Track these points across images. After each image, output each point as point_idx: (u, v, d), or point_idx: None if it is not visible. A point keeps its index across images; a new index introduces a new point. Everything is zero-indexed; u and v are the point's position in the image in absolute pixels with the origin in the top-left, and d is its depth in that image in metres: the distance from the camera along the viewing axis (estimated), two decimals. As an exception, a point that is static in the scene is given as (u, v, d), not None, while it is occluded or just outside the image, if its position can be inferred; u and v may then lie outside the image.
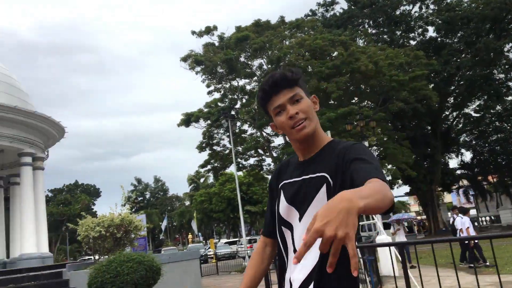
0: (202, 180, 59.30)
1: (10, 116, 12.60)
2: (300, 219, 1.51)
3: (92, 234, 8.48)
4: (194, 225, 51.11)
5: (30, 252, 12.26)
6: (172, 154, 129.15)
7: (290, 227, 1.54)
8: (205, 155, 32.00)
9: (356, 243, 1.11)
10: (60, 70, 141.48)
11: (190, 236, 52.35)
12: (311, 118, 1.51)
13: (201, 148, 30.56)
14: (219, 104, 29.79)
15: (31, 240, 12.49)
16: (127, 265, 7.30)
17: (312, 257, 1.41)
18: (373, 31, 33.01)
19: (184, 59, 28.18)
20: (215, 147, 30.82)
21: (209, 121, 29.51)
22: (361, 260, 6.61)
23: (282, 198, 1.57)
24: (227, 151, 30.04)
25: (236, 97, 30.17)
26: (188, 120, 29.47)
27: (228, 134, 27.81)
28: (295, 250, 1.50)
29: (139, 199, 70.35)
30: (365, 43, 29.61)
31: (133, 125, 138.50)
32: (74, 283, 8.34)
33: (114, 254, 7.84)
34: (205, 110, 29.63)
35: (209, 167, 31.86)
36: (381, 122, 23.12)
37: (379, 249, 9.80)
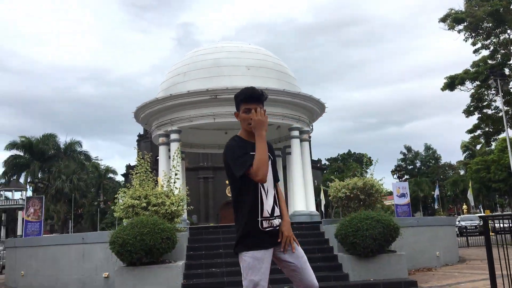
0: (478, 146, 54.28)
1: (280, 98, 15.23)
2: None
3: (339, 195, 9.88)
4: (469, 195, 47.73)
5: (301, 210, 14.77)
6: (444, 120, 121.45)
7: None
8: (474, 119, 29.62)
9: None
10: (333, 46, 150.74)
11: (465, 206, 49.10)
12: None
13: (468, 112, 28.43)
14: (489, 62, 26.89)
15: (301, 200, 15.00)
16: (366, 222, 8.32)
17: (277, 211, 3.03)
18: None
19: (443, 20, 26.54)
20: (485, 110, 28.13)
21: (477, 82, 27.10)
22: None
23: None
24: (500, 114, 26.97)
25: (509, 51, 26.57)
26: (451, 83, 27.81)
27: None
28: (264, 192, 3.00)
29: (409, 167, 69.86)
30: None
31: (405, 92, 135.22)
32: (327, 235, 9.95)
33: (356, 213, 8.98)
34: (472, 70, 27.28)
35: (479, 132, 29.35)
36: None
37: None
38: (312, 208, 15.64)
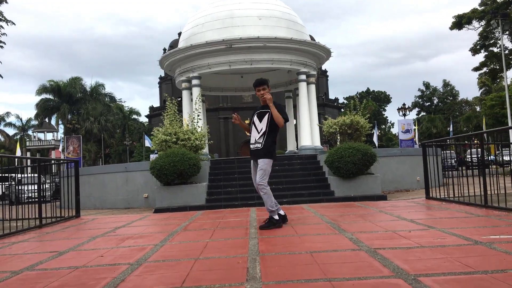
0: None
1: (288, 45, 17.02)
2: (260, 122, 4.97)
3: (331, 131, 12.07)
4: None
5: (307, 145, 17.04)
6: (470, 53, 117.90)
7: (254, 124, 5.01)
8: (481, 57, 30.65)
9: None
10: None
11: (476, 141, 50.56)
12: (265, 97, 4.85)
13: (475, 50, 29.51)
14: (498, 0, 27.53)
15: (307, 136, 17.23)
16: (348, 151, 10.56)
17: (260, 140, 4.98)
18: None
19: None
20: (491, 48, 29.14)
21: (483, 21, 27.96)
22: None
23: (255, 117, 5.04)
24: (506, 52, 27.98)
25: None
26: (459, 22, 28.72)
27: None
28: (256, 130, 5.05)
29: (426, 104, 70.68)
30: None
31: (432, 23, 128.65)
32: (322, 163, 12.28)
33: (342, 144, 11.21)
34: (480, 9, 28.05)
35: (485, 69, 30.53)
36: None
37: None
38: (317, 143, 17.91)
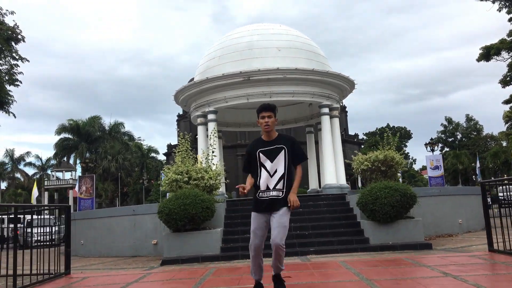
0: (522, 116, 52.52)
1: (310, 77, 15.96)
2: (271, 162, 3.74)
3: (362, 167, 10.71)
4: (512, 166, 46.73)
5: (331, 183, 15.62)
6: (491, 88, 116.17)
7: (264, 166, 3.71)
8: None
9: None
10: (375, 14, 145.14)
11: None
12: (271, 127, 3.73)
13: (505, 82, 28.07)
14: (527, 30, 26.31)
15: (331, 174, 15.84)
16: (384, 191, 9.16)
17: (280, 186, 3.73)
18: None
19: (477, -11, 26.09)
20: (523, 80, 27.67)
21: (513, 52, 26.66)
22: None
23: (262, 156, 3.75)
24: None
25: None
26: (487, 54, 27.48)
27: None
28: (268, 173, 3.79)
29: (449, 140, 68.53)
30: None
31: (450, 60, 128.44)
32: (352, 204, 10.85)
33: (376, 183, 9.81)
34: (508, 39, 26.82)
35: (517, 102, 28.95)
36: None
37: None
38: (342, 181, 16.45)
